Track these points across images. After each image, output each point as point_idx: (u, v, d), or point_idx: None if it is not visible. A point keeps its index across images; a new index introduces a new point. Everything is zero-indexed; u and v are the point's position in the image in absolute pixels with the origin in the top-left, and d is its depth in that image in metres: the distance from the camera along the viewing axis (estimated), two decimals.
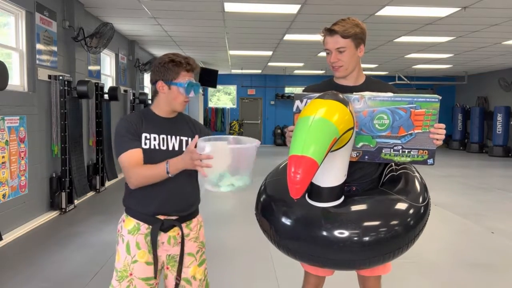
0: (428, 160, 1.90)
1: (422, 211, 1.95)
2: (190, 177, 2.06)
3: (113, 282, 2.05)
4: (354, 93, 1.94)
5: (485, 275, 4.02)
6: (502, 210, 6.72)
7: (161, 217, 2.03)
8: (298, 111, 1.93)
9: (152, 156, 2.00)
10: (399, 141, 1.89)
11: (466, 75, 15.76)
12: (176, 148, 2.05)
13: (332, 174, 1.83)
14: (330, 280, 2.34)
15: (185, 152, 1.89)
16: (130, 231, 2.05)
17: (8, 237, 4.79)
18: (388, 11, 6.87)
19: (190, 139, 2.09)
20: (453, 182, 9.34)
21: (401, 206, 1.92)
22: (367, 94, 1.92)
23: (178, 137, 2.07)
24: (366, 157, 1.94)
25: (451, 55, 11.54)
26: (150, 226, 2.02)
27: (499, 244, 5.00)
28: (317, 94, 1.85)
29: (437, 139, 1.87)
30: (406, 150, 1.89)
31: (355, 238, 1.84)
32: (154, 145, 2.02)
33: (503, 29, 8.05)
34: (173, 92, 2.02)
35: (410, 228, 1.90)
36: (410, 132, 1.87)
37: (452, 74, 16.40)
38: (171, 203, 2.03)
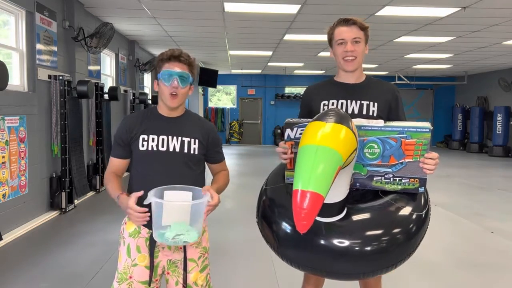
0: (419, 188, 1.91)
1: (422, 220, 1.94)
2: (186, 173, 2.04)
3: (114, 283, 2.06)
4: None
5: (485, 275, 4.02)
6: (502, 210, 6.71)
7: None
8: (289, 139, 1.96)
9: (149, 158, 2.00)
10: (390, 170, 1.90)
11: (466, 75, 15.76)
12: (177, 149, 2.02)
13: (334, 191, 1.81)
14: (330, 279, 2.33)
15: (129, 197, 1.91)
16: (131, 234, 2.04)
17: (8, 237, 4.78)
18: (388, 11, 6.87)
19: (193, 140, 2.05)
20: (453, 182, 9.33)
21: (403, 215, 1.91)
22: (357, 122, 1.90)
23: (180, 138, 2.03)
24: (358, 184, 1.96)
25: (451, 55, 11.54)
26: (151, 231, 1.99)
27: (499, 244, 5.00)
28: (307, 121, 1.82)
29: (428, 169, 1.87)
30: (397, 179, 1.90)
31: (357, 249, 1.83)
32: (152, 146, 2.00)
33: (503, 29, 8.05)
34: (160, 86, 2.01)
35: (412, 236, 1.89)
36: (401, 161, 1.88)
37: (452, 74, 16.39)
38: None
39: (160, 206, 1.80)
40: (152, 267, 2.01)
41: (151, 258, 2.01)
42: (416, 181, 1.90)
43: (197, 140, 2.06)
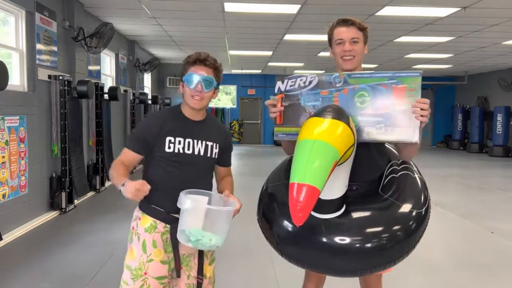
0: (412, 138, 1.81)
1: (421, 217, 1.94)
2: (206, 176, 2.12)
3: (127, 280, 2.05)
4: (334, 73, 1.92)
5: (485, 275, 4.02)
6: (502, 210, 6.72)
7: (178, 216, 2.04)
8: (280, 92, 1.94)
9: (177, 160, 2.04)
10: (381, 119, 1.82)
11: (466, 75, 15.76)
12: (202, 153, 2.07)
13: (333, 187, 1.81)
14: (331, 277, 2.33)
15: (135, 182, 1.88)
16: (147, 229, 2.06)
17: (8, 237, 4.78)
18: (388, 11, 6.87)
19: (215, 144, 2.11)
20: (453, 182, 9.33)
21: (401, 213, 1.90)
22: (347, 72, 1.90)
23: (204, 142, 2.08)
24: None
25: (451, 55, 11.54)
26: (168, 226, 2.04)
27: (499, 244, 5.00)
28: (300, 76, 1.86)
29: (421, 115, 1.79)
30: (389, 128, 1.82)
31: (357, 246, 1.83)
32: (179, 149, 2.04)
33: (503, 29, 8.05)
34: (184, 88, 2.04)
35: (411, 233, 1.89)
36: (392, 109, 1.81)
37: (452, 74, 16.39)
38: None
39: (200, 208, 1.89)
40: (178, 260, 2.06)
41: (175, 250, 2.05)
42: (409, 129, 1.81)
43: (218, 145, 2.13)
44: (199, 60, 2.02)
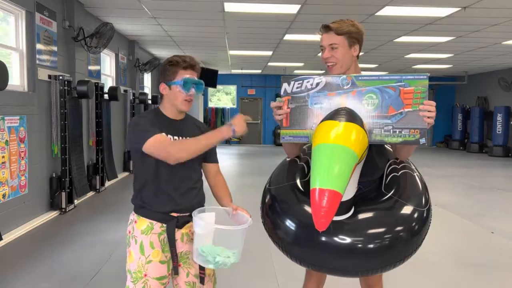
0: (420, 140, 1.84)
1: (425, 214, 1.95)
2: (195, 172, 2.14)
3: (129, 284, 2.08)
4: (342, 74, 1.92)
5: (485, 275, 4.03)
6: (502, 210, 6.72)
7: (174, 215, 2.07)
8: (286, 94, 1.93)
9: None
10: (389, 121, 1.84)
11: (466, 75, 15.76)
12: None
13: (346, 189, 1.83)
14: (331, 276, 2.33)
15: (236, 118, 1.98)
16: (144, 231, 2.07)
17: (8, 237, 4.78)
18: (388, 11, 6.87)
19: None
20: (453, 182, 9.33)
21: (407, 211, 1.92)
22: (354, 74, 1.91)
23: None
24: None
25: (451, 55, 11.54)
26: (164, 225, 2.06)
27: (499, 244, 5.00)
28: (307, 77, 1.87)
29: (428, 117, 1.81)
30: (397, 130, 1.84)
31: (367, 246, 1.84)
32: None
33: (503, 29, 8.05)
34: (173, 91, 2.07)
35: (416, 232, 1.91)
36: (400, 111, 1.83)
37: (452, 74, 16.39)
38: (184, 200, 2.08)
39: (210, 230, 1.92)
40: (175, 258, 2.07)
41: (173, 248, 2.06)
42: (417, 131, 1.83)
43: None
44: (191, 66, 2.07)
